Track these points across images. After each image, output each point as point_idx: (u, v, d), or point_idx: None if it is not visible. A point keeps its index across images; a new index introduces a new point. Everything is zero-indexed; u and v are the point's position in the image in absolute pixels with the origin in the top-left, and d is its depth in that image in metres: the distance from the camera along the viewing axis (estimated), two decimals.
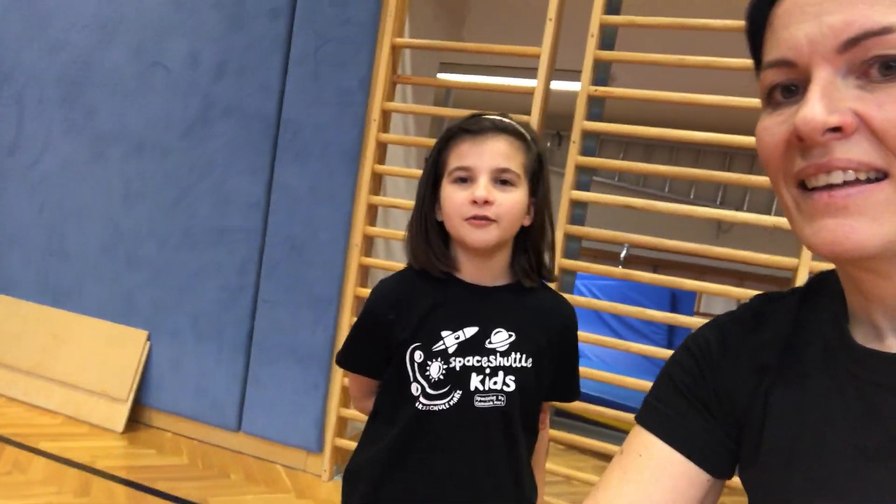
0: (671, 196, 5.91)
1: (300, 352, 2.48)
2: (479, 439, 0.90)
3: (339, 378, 2.42)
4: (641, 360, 3.74)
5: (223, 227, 2.56)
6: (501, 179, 0.89)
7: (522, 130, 0.93)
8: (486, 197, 0.87)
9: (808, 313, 0.51)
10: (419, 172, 2.49)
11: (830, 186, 0.40)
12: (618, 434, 2.47)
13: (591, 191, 2.18)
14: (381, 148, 2.39)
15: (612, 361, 3.75)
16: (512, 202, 0.89)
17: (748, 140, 1.92)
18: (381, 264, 2.43)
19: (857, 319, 0.47)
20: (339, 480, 2.47)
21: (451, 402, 0.89)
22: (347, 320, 2.40)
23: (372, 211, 2.40)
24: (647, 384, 2.06)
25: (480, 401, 0.90)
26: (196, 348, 2.62)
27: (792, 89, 0.43)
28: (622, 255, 5.05)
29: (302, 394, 2.47)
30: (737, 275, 5.46)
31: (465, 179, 0.89)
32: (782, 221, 1.93)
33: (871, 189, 0.39)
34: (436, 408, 0.89)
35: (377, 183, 2.41)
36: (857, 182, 0.40)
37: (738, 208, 6.06)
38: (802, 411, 0.47)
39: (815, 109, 0.39)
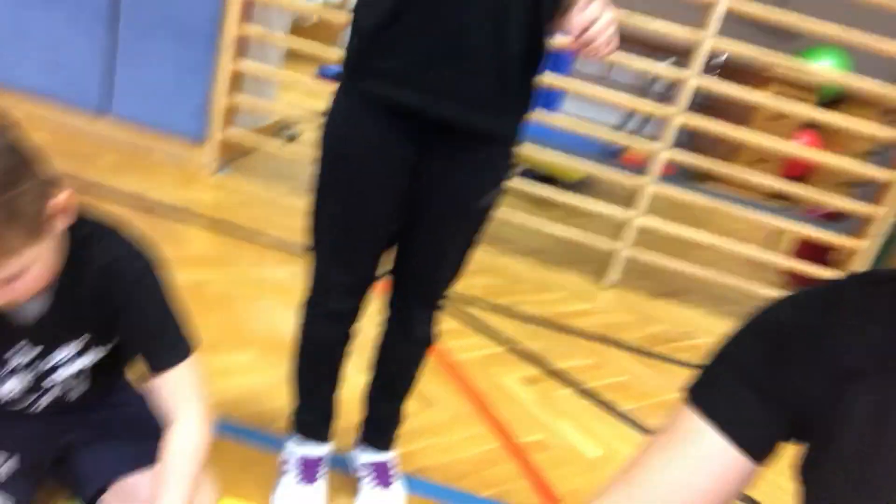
0: None
1: (179, 25, 2.15)
2: None
3: (229, 61, 2.15)
4: None
5: None
6: None
7: None
8: None
9: None
10: None
11: None
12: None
13: None
14: None
15: None
16: None
17: None
18: None
19: None
20: (225, 174, 2.32)
21: None
22: None
23: None
24: None
25: None
26: (44, 13, 2.17)
27: None
28: None
29: (184, 73, 2.20)
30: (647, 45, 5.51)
31: None
32: None
33: None
34: None
35: None
36: None
37: None
38: (884, 429, 0.43)
39: None
